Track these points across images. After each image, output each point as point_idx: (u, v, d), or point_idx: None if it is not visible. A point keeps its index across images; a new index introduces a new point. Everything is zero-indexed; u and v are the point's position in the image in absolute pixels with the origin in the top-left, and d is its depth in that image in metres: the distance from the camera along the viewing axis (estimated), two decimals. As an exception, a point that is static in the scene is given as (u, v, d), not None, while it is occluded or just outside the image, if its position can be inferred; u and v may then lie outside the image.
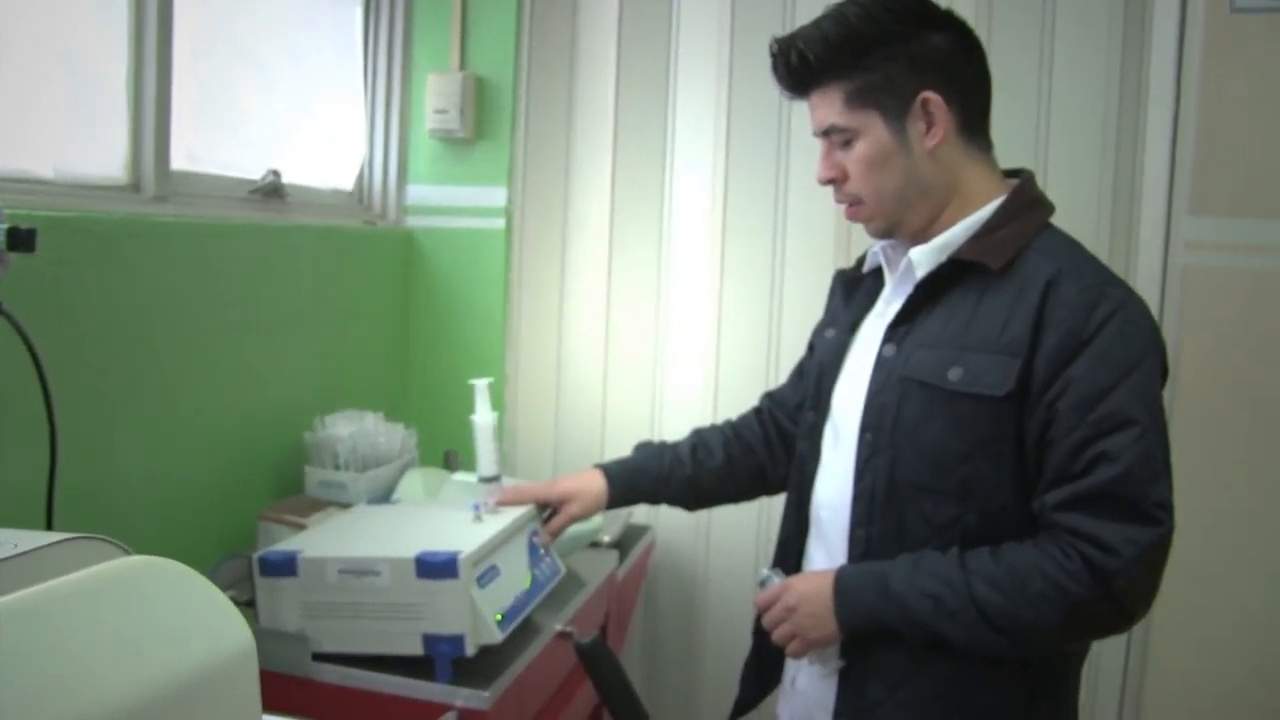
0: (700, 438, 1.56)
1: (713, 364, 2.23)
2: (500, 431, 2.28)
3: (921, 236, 1.27)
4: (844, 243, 2.11)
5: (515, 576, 1.43)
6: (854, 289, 1.40)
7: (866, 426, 1.25)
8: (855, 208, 1.28)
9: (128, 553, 0.68)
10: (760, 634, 1.38)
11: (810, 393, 1.39)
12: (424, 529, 1.45)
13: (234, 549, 1.66)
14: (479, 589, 1.32)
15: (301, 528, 1.60)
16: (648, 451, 1.57)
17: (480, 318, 2.26)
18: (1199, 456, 1.87)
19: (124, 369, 1.49)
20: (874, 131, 1.23)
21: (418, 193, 2.29)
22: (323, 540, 1.43)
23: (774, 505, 1.85)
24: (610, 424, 2.30)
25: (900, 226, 1.28)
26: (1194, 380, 1.91)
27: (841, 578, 1.23)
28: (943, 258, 1.23)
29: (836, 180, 1.28)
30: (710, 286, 2.22)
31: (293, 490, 1.83)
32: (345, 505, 1.72)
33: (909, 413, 1.21)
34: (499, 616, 1.34)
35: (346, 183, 2.24)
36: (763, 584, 1.33)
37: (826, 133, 1.26)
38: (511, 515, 1.47)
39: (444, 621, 1.31)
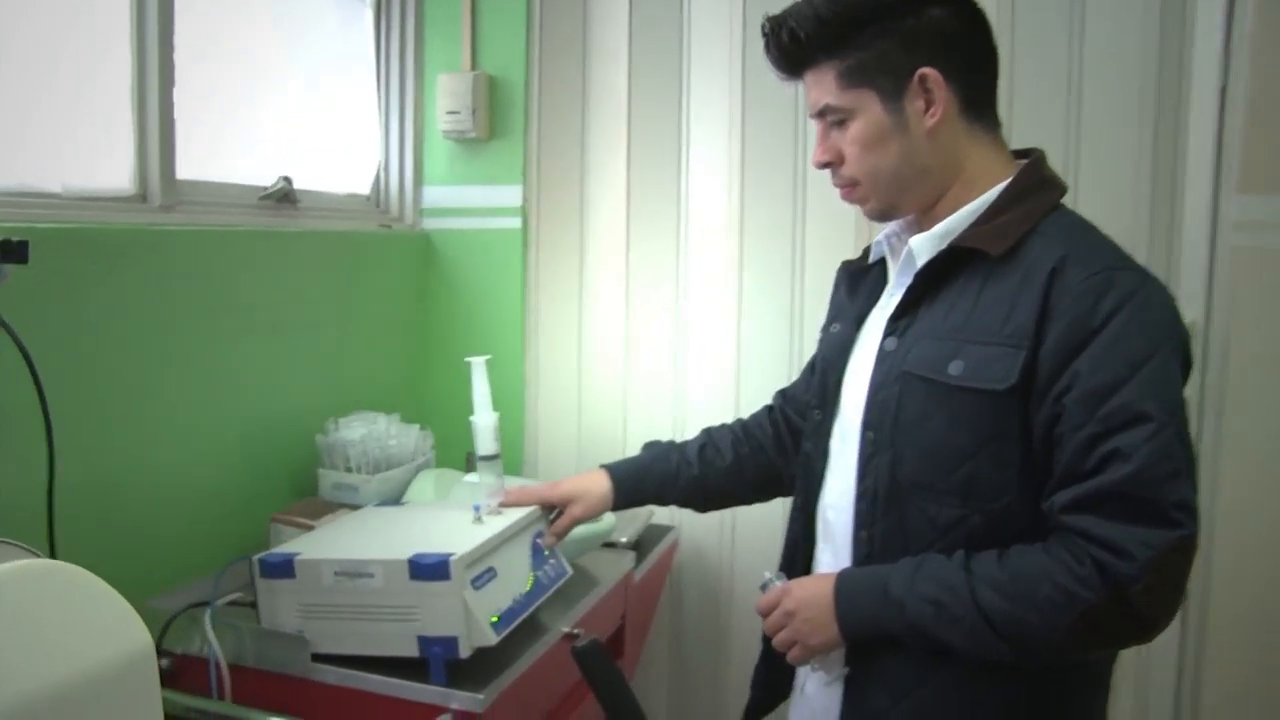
0: (709, 437, 1.52)
1: (733, 361, 2.18)
2: (520, 430, 2.26)
3: (924, 220, 1.21)
4: (864, 235, 2.05)
5: (515, 578, 1.41)
6: (859, 281, 1.35)
7: (868, 424, 1.19)
8: (851, 189, 1.23)
9: (36, 556, 0.68)
10: (768, 639, 1.33)
11: (816, 390, 1.33)
12: (423, 531, 1.43)
13: (248, 552, 1.67)
14: (473, 591, 1.30)
15: (310, 529, 1.60)
16: (655, 451, 1.53)
17: (499, 318, 2.25)
18: (1251, 447, 1.77)
19: (134, 376, 1.52)
20: (869, 111, 1.17)
21: (434, 194, 2.28)
22: (321, 542, 1.43)
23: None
24: (632, 423, 2.26)
25: (898, 209, 1.23)
26: (1246, 369, 1.81)
27: (842, 582, 1.18)
28: (943, 245, 1.17)
29: (833, 163, 1.22)
30: (730, 282, 2.18)
31: (309, 492, 1.84)
32: (356, 507, 1.71)
33: (909, 409, 1.15)
34: (495, 618, 1.31)
35: (363, 187, 2.24)
36: (764, 588, 1.28)
37: (821, 113, 1.21)
38: (513, 517, 1.45)
39: (438, 623, 1.29)
